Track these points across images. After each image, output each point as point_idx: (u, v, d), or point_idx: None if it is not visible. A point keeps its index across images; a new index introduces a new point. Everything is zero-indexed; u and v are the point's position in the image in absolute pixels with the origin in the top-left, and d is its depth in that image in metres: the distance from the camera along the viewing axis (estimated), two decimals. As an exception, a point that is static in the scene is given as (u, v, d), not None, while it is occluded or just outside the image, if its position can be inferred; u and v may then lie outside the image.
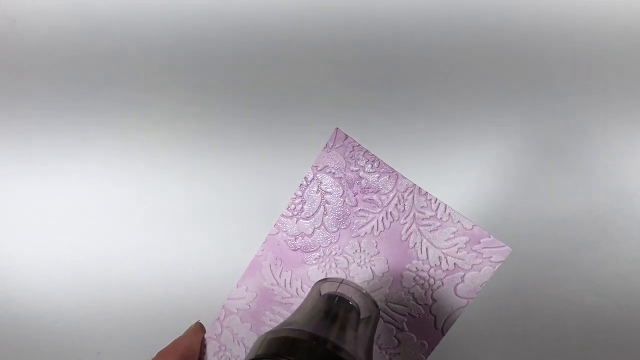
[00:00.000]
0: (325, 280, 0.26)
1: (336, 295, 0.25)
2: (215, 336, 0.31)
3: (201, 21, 0.51)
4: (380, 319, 0.28)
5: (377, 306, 0.25)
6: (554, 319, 0.46)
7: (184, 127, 0.49)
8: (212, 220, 0.48)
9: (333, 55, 0.48)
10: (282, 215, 0.29)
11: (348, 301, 0.25)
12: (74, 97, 0.52)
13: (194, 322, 0.40)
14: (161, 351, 0.31)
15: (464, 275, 0.27)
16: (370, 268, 0.28)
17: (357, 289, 0.25)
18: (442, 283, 0.27)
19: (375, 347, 0.28)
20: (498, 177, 0.47)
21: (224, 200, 0.48)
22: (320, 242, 0.29)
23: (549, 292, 0.46)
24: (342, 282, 0.25)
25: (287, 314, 0.29)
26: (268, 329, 0.29)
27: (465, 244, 0.27)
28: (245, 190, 0.48)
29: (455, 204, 0.27)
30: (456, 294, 0.27)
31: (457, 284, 0.27)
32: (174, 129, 0.49)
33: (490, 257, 0.26)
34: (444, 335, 0.28)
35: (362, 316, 0.25)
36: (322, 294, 0.26)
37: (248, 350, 0.29)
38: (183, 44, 0.51)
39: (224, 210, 0.48)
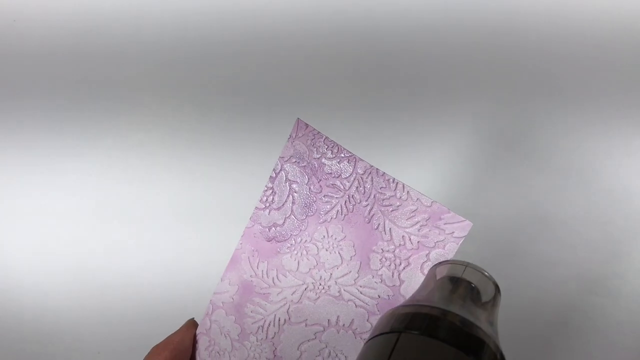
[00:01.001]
0: (445, 262, 0.26)
1: (457, 277, 0.25)
2: (205, 331, 0.32)
3: (201, 19, 0.50)
4: (353, 303, 0.29)
5: (498, 289, 0.25)
6: (553, 319, 0.45)
7: (188, 120, 0.50)
8: (205, 218, 0.49)
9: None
10: (256, 207, 0.30)
11: (471, 283, 0.25)
12: (73, 96, 0.52)
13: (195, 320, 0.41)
14: (154, 347, 0.32)
15: (428, 253, 0.27)
16: (339, 253, 0.28)
17: (480, 271, 0.25)
18: (409, 263, 0.27)
19: (350, 332, 0.29)
20: (497, 170, 0.46)
21: (207, 198, 0.48)
22: (291, 230, 0.29)
23: (548, 292, 0.45)
24: (467, 265, 0.25)
25: (265, 303, 0.30)
26: (249, 320, 0.30)
27: (426, 221, 0.27)
28: (225, 188, 0.48)
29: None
30: (423, 273, 0.27)
31: (423, 262, 0.27)
32: (177, 122, 0.50)
33: (453, 232, 0.26)
34: (415, 316, 0.27)
35: (483, 297, 0.25)
36: (438, 277, 0.25)
37: (233, 343, 0.30)
38: (183, 42, 0.51)
39: (210, 208, 0.48)
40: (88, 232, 0.51)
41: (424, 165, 0.47)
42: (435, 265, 0.27)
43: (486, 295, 0.25)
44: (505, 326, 0.45)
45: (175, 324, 0.50)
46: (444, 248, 0.27)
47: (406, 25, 0.48)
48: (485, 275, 0.25)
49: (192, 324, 0.33)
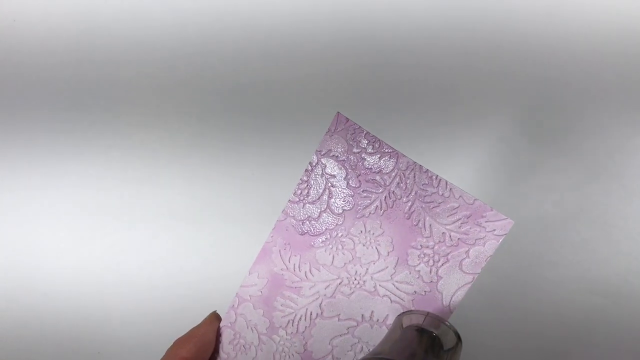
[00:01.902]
0: (409, 312, 0.27)
1: (421, 328, 0.26)
2: (230, 324, 0.32)
3: (201, 19, 0.50)
4: (388, 298, 0.29)
5: (459, 338, 0.26)
6: (553, 319, 0.46)
7: (188, 121, 0.49)
8: (205, 218, 0.48)
9: (333, 45, 0.49)
10: (290, 200, 0.30)
11: (432, 332, 0.25)
12: (73, 97, 0.52)
13: (195, 321, 0.41)
14: (177, 340, 0.31)
15: (468, 250, 0.27)
16: (376, 248, 0.28)
17: (441, 321, 0.26)
18: (447, 259, 0.28)
19: (384, 327, 0.29)
20: (498, 170, 0.47)
21: (207, 198, 0.48)
22: (327, 224, 0.29)
23: (548, 292, 0.46)
24: (427, 314, 0.26)
25: (297, 297, 0.30)
26: (279, 314, 0.30)
27: (467, 218, 0.27)
28: (225, 188, 0.48)
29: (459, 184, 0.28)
30: (462, 270, 0.27)
31: (463, 259, 0.27)
32: (177, 122, 0.49)
33: (494, 230, 0.27)
34: (451, 312, 0.28)
35: (445, 345, 0.25)
36: (404, 326, 0.26)
37: (261, 337, 0.30)
38: (183, 41, 0.51)
39: (210, 208, 0.48)
40: (88, 231, 0.51)
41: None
42: (399, 315, 0.27)
43: (447, 344, 0.25)
44: (506, 327, 0.46)
45: (175, 324, 0.50)
46: (484, 245, 0.27)
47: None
48: (446, 325, 0.26)
49: (215, 317, 0.33)
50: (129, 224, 0.50)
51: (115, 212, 0.50)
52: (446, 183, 0.27)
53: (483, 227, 0.27)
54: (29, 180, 0.51)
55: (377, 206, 0.28)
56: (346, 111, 0.29)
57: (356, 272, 0.29)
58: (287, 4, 0.50)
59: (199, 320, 0.33)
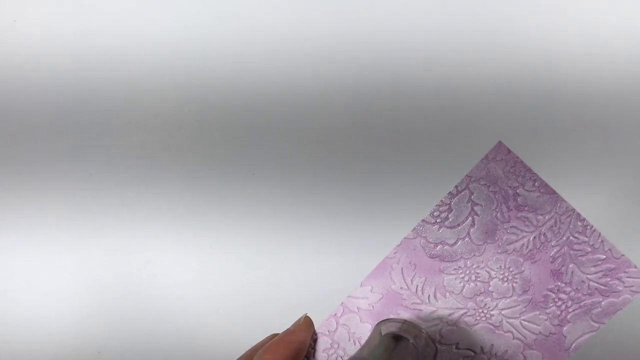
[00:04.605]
0: (388, 320, 0.27)
1: (398, 335, 0.26)
2: (328, 332, 0.30)
3: (202, 18, 0.50)
4: (511, 334, 0.29)
5: (435, 345, 0.27)
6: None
7: (188, 120, 0.49)
8: (205, 218, 0.48)
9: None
10: (424, 220, 0.28)
11: (408, 339, 0.26)
12: (73, 97, 0.50)
13: (192, 323, 0.39)
14: (274, 341, 0.30)
15: (601, 301, 0.28)
16: (512, 285, 0.28)
17: (418, 329, 0.27)
18: (580, 306, 0.28)
19: (500, 360, 0.29)
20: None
21: (207, 199, 0.48)
22: (463, 252, 0.28)
23: None
24: (404, 322, 0.27)
25: (414, 319, 0.29)
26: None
27: (610, 271, 0.27)
28: (225, 188, 0.49)
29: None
30: (591, 318, 0.28)
31: (595, 308, 0.28)
32: (177, 122, 0.49)
33: (632, 286, 0.27)
34: (570, 355, 0.28)
35: (421, 354, 0.26)
36: (383, 334, 0.27)
37: (363, 351, 0.29)
38: (184, 41, 0.50)
39: (210, 208, 0.49)
40: (88, 231, 0.49)
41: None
42: (379, 322, 0.28)
43: (424, 350, 0.27)
44: None
45: (175, 324, 0.48)
46: (618, 298, 0.28)
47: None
48: (423, 332, 0.27)
49: (310, 322, 0.31)
50: (129, 224, 0.49)
51: (115, 212, 0.49)
52: (599, 235, 0.27)
53: (623, 282, 0.27)
54: (29, 180, 0.50)
55: (523, 244, 0.28)
56: (511, 142, 0.28)
57: (485, 304, 0.28)
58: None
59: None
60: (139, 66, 0.50)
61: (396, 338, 0.26)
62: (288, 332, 0.30)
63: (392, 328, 0.26)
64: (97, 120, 0.50)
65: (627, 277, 0.27)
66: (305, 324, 0.31)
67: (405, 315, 0.29)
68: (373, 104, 0.49)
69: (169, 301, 0.49)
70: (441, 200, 0.28)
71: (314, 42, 0.50)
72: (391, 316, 0.29)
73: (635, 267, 0.27)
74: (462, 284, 0.28)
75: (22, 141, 0.50)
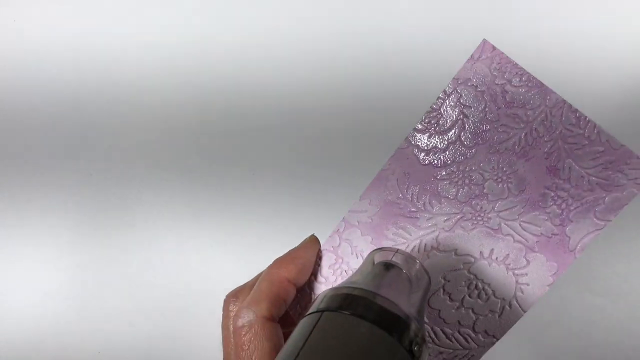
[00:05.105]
0: (380, 249, 0.27)
1: (390, 263, 0.26)
2: (332, 248, 0.31)
3: (202, 20, 0.50)
4: (511, 237, 0.28)
5: (428, 275, 0.26)
6: (553, 319, 0.46)
7: (188, 121, 0.49)
8: (204, 219, 0.48)
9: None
10: (415, 129, 0.29)
11: (401, 269, 0.26)
12: (73, 97, 0.51)
13: (192, 323, 0.40)
14: (277, 260, 0.31)
15: (605, 197, 0.26)
16: (507, 186, 0.28)
17: (411, 258, 0.26)
18: (581, 204, 0.27)
19: (502, 266, 0.28)
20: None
21: (207, 199, 0.48)
22: (455, 157, 0.28)
23: (549, 292, 0.46)
24: (397, 251, 0.27)
25: (412, 228, 0.29)
26: (389, 242, 0.29)
27: (610, 164, 0.26)
28: (225, 188, 0.48)
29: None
30: (595, 216, 0.27)
31: (598, 205, 0.27)
32: (177, 122, 0.49)
33: (636, 178, 0.26)
34: (575, 257, 0.27)
35: (414, 283, 0.26)
36: (376, 262, 0.27)
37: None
38: (184, 40, 0.50)
39: (209, 208, 0.48)
40: (88, 231, 0.50)
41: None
42: (372, 251, 0.28)
43: (416, 280, 0.26)
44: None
45: (175, 324, 0.49)
46: (622, 193, 0.26)
47: None
48: (416, 261, 0.26)
49: (315, 241, 0.32)
50: (129, 224, 0.50)
51: (115, 212, 0.50)
52: (594, 126, 0.26)
53: (625, 174, 0.26)
54: (29, 180, 0.51)
55: (514, 142, 0.27)
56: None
57: (481, 207, 0.28)
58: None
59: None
60: (139, 66, 0.50)
61: (388, 266, 0.26)
62: (293, 250, 0.31)
63: (385, 257, 0.27)
64: (97, 120, 0.50)
65: (629, 168, 0.26)
66: (311, 242, 0.32)
67: (402, 224, 0.29)
68: (373, 103, 0.49)
69: (169, 301, 0.50)
70: (431, 107, 0.28)
71: (313, 42, 0.50)
72: (385, 245, 0.30)
73: (638, 157, 0.26)
74: (455, 188, 0.28)
75: (22, 141, 0.51)
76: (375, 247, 0.30)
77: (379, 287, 0.23)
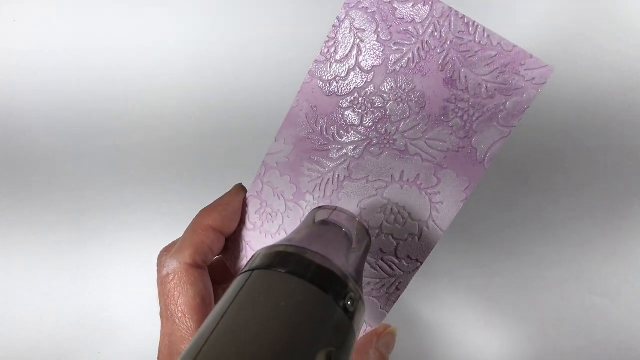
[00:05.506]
0: (320, 208, 0.27)
1: (329, 222, 0.26)
2: (256, 193, 0.31)
3: (201, 21, 0.49)
4: (419, 157, 0.28)
5: (368, 234, 0.26)
6: (553, 319, 0.45)
7: (188, 121, 0.48)
8: None
9: None
10: (316, 60, 0.29)
11: (340, 227, 0.25)
12: (73, 97, 0.51)
13: None
14: (202, 210, 0.31)
15: (505, 102, 0.26)
16: (408, 104, 0.27)
17: (350, 216, 0.26)
18: (483, 112, 0.26)
19: (414, 187, 0.28)
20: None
21: (206, 199, 0.49)
22: (355, 83, 0.28)
23: (549, 292, 0.45)
24: (335, 209, 0.26)
25: (324, 161, 0.29)
26: (306, 179, 0.29)
27: (505, 67, 0.25)
28: (224, 187, 0.48)
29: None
30: (498, 123, 0.26)
31: (499, 111, 0.26)
32: (177, 122, 0.48)
33: (533, 79, 0.25)
34: (486, 169, 0.27)
35: (354, 242, 0.25)
36: (316, 221, 0.26)
37: (287, 204, 0.29)
38: (184, 40, 0.50)
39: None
40: (88, 231, 0.50)
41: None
42: (313, 210, 0.27)
43: (356, 238, 0.25)
44: (506, 327, 0.46)
45: None
46: (522, 96, 0.26)
47: None
48: (356, 220, 0.26)
49: (241, 188, 0.32)
50: (129, 224, 0.50)
51: (115, 212, 0.50)
52: (484, 30, 0.26)
53: (522, 75, 0.25)
54: (29, 180, 0.51)
55: (409, 59, 0.27)
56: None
57: (386, 130, 0.28)
58: None
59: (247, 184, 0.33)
60: (139, 66, 0.50)
61: (326, 224, 0.26)
62: (218, 199, 0.32)
63: (324, 215, 0.27)
64: (97, 120, 0.50)
65: (525, 69, 0.25)
66: (235, 190, 0.32)
67: (316, 158, 0.29)
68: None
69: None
70: (327, 36, 0.28)
71: (314, 43, 0.50)
72: (324, 204, 0.29)
73: (532, 56, 0.25)
74: (360, 115, 0.28)
75: (22, 141, 0.51)
76: (293, 185, 0.30)
77: (314, 245, 0.22)
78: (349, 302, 0.20)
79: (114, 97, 0.50)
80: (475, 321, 0.46)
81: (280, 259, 0.21)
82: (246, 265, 0.22)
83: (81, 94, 0.51)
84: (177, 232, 0.30)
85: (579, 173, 0.46)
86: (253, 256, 0.22)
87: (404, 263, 0.29)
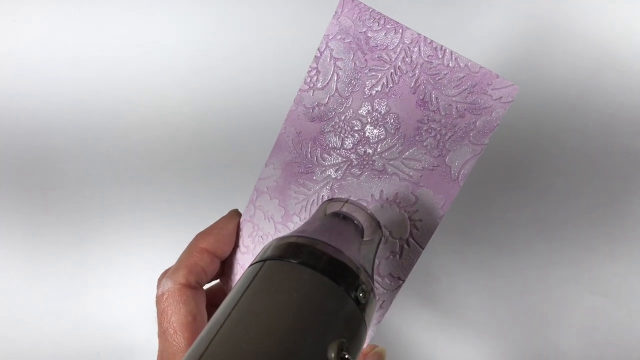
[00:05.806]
0: (331, 200, 0.27)
1: (341, 213, 0.26)
2: (249, 217, 0.33)
3: (201, 22, 0.50)
4: (397, 176, 0.29)
5: (380, 226, 0.26)
6: (553, 319, 0.45)
7: (187, 121, 0.48)
8: (205, 218, 0.50)
9: None
10: (300, 89, 0.30)
11: (352, 220, 0.26)
12: (73, 97, 0.51)
13: None
14: (198, 234, 0.33)
15: (475, 121, 0.27)
16: (384, 126, 0.29)
17: (362, 208, 0.26)
18: (455, 131, 0.27)
19: (394, 206, 0.29)
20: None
21: (207, 198, 0.47)
22: (335, 108, 0.30)
23: (549, 292, 0.45)
24: (346, 201, 0.26)
25: (309, 183, 0.31)
26: (293, 201, 0.31)
27: (473, 87, 0.27)
28: (224, 187, 0.47)
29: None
30: (470, 141, 0.27)
31: (471, 130, 0.27)
32: (176, 122, 0.48)
33: (500, 97, 0.26)
34: (460, 186, 0.28)
35: (365, 234, 0.26)
36: (327, 213, 0.27)
37: (276, 226, 0.31)
38: (183, 40, 0.50)
39: (209, 208, 0.46)
40: (88, 231, 0.51)
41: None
42: (324, 202, 0.27)
43: (367, 231, 0.25)
44: (506, 327, 0.46)
45: None
46: (491, 115, 0.26)
47: None
48: (367, 212, 0.26)
49: (236, 213, 0.34)
50: (129, 224, 0.50)
51: (115, 212, 0.50)
52: (451, 53, 0.27)
53: (490, 95, 0.26)
54: (28, 180, 0.51)
55: (383, 84, 0.28)
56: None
57: (365, 152, 0.29)
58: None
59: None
60: (139, 66, 0.51)
61: (338, 216, 0.26)
62: (214, 223, 0.34)
63: (335, 207, 0.27)
64: (97, 120, 0.51)
65: (492, 89, 0.26)
66: (230, 215, 0.34)
67: (302, 180, 0.31)
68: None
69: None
70: (310, 66, 0.30)
71: (313, 43, 0.52)
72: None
73: (497, 76, 0.26)
74: (340, 138, 0.30)
75: (21, 141, 0.52)
76: (281, 207, 0.32)
77: (326, 236, 0.23)
78: (361, 294, 0.20)
79: (114, 97, 0.50)
80: (475, 321, 0.45)
81: (292, 249, 0.21)
82: (257, 256, 0.22)
83: (81, 94, 0.51)
84: (176, 232, 0.31)
85: (579, 173, 0.45)
86: (264, 247, 0.22)
87: (387, 281, 0.29)
